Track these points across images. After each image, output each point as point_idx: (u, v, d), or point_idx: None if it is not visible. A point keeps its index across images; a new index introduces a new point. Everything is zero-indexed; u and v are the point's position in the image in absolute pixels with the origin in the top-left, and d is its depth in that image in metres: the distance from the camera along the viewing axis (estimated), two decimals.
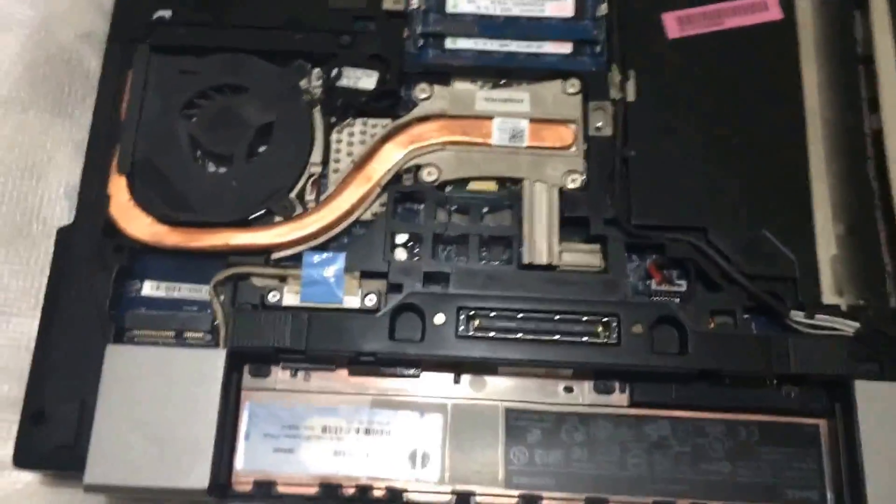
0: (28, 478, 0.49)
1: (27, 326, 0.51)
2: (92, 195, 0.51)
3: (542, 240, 0.49)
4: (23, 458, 0.46)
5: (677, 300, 0.49)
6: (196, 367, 0.46)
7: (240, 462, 0.47)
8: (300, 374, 0.49)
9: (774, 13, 0.53)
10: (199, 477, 0.44)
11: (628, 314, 0.47)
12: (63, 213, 0.54)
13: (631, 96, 0.52)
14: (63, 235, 0.50)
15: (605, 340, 0.47)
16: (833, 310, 0.47)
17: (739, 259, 0.48)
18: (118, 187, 0.51)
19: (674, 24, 0.53)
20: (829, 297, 0.48)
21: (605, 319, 0.47)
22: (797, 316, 0.47)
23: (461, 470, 0.47)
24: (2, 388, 0.50)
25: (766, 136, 0.51)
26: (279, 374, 0.49)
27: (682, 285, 0.49)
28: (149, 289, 0.50)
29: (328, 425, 0.48)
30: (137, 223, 0.50)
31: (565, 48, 0.53)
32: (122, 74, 0.53)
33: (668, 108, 0.51)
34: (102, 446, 0.44)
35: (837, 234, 0.49)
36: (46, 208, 0.54)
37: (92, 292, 0.48)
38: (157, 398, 0.45)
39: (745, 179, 0.50)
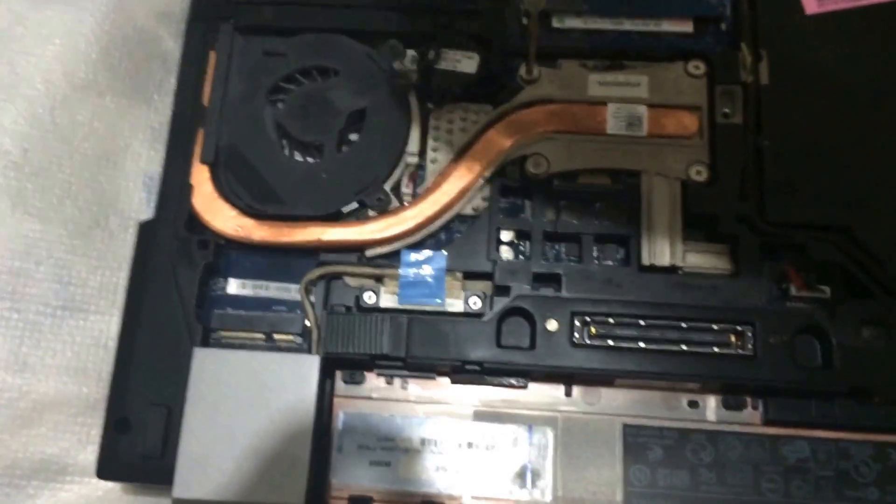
0: (109, 485, 0.46)
1: (106, 324, 0.49)
2: (174, 186, 0.48)
3: (663, 239, 0.45)
4: (107, 470, 0.44)
5: (818, 308, 0.44)
6: (289, 374, 0.44)
7: (333, 475, 0.44)
8: (397, 381, 0.46)
9: None
10: (295, 491, 0.42)
11: (766, 323, 0.43)
12: (141, 204, 0.51)
13: (764, 79, 0.47)
14: (145, 230, 0.47)
15: (739, 352, 0.43)
16: None
17: (892, 262, 0.43)
18: (201, 178, 0.48)
19: None
20: None
21: (739, 328, 0.43)
22: None
23: (574, 490, 0.44)
24: (81, 390, 0.47)
25: None
26: (374, 381, 0.46)
27: (826, 292, 0.44)
28: (235, 287, 0.47)
29: (427, 438, 0.45)
30: (222, 216, 0.47)
31: (686, 26, 0.48)
32: (203, 56, 0.50)
33: (806, 92, 0.46)
34: (191, 458, 0.43)
35: None
36: (124, 199, 0.51)
37: (176, 291, 0.46)
38: (248, 405, 0.43)
39: (894, 172, 0.45)
